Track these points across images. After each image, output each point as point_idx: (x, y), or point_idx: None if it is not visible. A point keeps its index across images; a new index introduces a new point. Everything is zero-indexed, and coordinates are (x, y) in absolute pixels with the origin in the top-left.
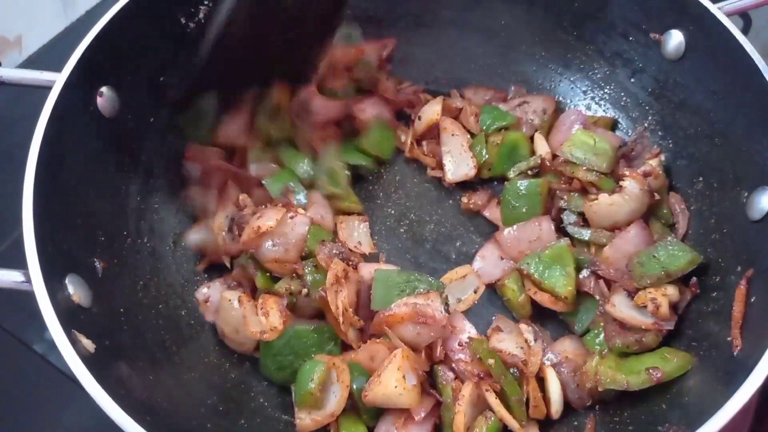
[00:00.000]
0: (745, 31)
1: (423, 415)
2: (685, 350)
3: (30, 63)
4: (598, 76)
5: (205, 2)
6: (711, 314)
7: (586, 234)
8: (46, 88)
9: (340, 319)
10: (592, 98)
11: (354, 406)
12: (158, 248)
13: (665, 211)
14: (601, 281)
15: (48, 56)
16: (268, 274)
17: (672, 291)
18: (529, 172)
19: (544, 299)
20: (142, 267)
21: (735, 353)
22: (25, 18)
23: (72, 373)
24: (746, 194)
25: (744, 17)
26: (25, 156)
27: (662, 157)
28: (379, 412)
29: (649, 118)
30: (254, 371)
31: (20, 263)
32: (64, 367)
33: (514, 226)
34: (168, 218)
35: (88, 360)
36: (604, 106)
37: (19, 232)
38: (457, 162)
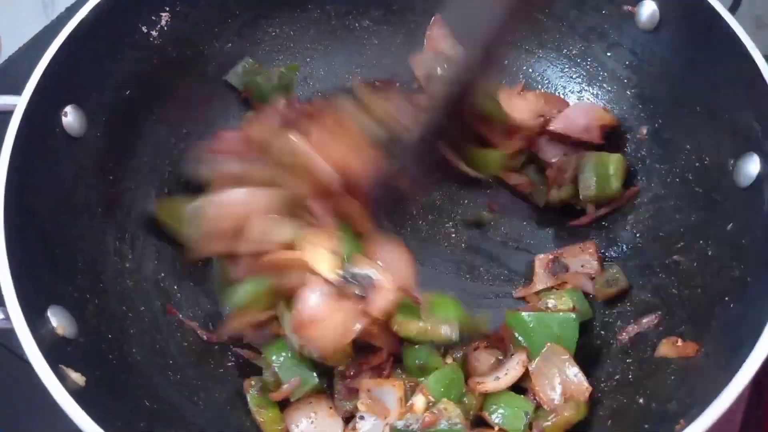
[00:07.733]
0: (734, 8)
1: None
2: None
3: (11, 63)
4: (574, 53)
5: (167, 8)
6: None
7: None
8: (8, 113)
9: None
10: (570, 77)
11: None
12: (143, 269)
13: None
14: None
15: (29, 55)
16: None
17: None
18: None
19: None
20: (128, 290)
21: None
22: (4, 17)
23: None
24: (732, 161)
25: None
26: None
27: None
28: None
29: (628, 92)
30: None
31: None
32: None
33: None
34: (150, 236)
35: (78, 395)
36: (582, 83)
37: None
38: None
